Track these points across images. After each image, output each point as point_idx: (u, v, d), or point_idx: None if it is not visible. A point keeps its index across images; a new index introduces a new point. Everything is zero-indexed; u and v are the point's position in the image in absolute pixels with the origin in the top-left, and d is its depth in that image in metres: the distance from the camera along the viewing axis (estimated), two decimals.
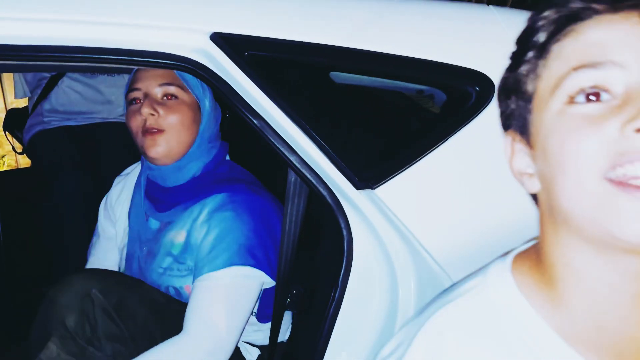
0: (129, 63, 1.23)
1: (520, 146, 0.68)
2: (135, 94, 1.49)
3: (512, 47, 0.70)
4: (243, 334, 1.52)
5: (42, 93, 2.37)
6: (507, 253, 0.71)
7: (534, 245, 0.70)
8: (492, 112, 1.20)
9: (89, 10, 1.17)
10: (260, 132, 1.17)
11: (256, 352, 1.53)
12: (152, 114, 1.45)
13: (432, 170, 1.20)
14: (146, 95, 1.48)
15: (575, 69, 0.59)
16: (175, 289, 1.48)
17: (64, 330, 1.35)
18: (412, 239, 1.18)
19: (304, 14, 1.22)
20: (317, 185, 1.20)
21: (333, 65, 1.22)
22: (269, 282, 1.44)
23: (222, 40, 1.16)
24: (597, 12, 0.60)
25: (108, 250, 1.70)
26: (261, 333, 1.54)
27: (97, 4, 1.18)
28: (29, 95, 2.47)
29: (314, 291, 1.37)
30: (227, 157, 1.61)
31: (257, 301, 1.45)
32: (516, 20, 1.39)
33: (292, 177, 1.29)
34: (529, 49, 0.65)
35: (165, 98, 1.48)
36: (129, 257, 1.60)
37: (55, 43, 1.17)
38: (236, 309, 1.38)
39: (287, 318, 1.58)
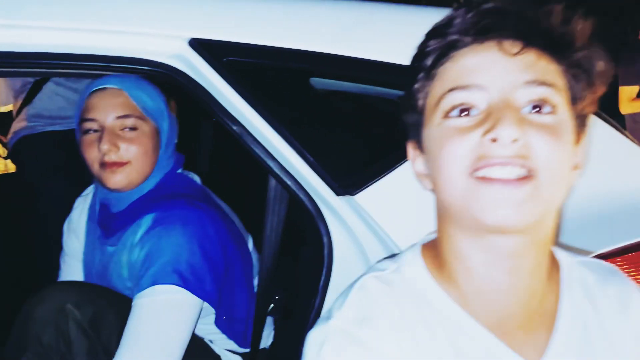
0: (106, 69, 1.23)
1: (417, 153, 0.84)
2: (90, 125, 1.42)
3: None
4: (225, 342, 1.51)
5: (26, 98, 2.36)
6: (416, 242, 0.87)
7: (435, 238, 0.85)
8: None
9: (68, 17, 1.17)
10: (239, 139, 1.17)
11: (238, 359, 1.53)
12: (112, 150, 1.40)
13: (412, 176, 1.20)
14: (103, 128, 1.41)
15: (450, 90, 0.73)
16: None
17: (39, 346, 1.33)
18: (391, 245, 1.18)
19: (283, 20, 1.22)
20: (297, 192, 1.20)
21: (313, 71, 1.22)
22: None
23: (200, 46, 1.16)
24: (466, 44, 0.73)
25: (75, 269, 1.67)
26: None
27: (75, 11, 1.18)
28: (13, 102, 2.46)
29: (296, 297, 1.37)
30: (180, 170, 1.57)
31: (196, 318, 1.37)
32: None
33: (272, 183, 1.29)
34: (420, 71, 0.78)
35: (125, 129, 1.42)
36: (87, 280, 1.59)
37: (33, 49, 1.16)
38: (165, 330, 1.31)
39: (270, 324, 1.57)
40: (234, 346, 1.52)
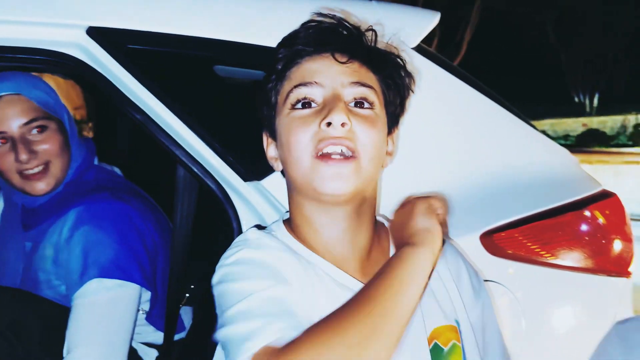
0: (2, 60, 1.19)
1: (270, 141, 1.03)
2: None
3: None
4: (141, 336, 1.49)
5: None
6: (277, 219, 1.06)
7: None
8: None
9: None
10: (143, 128, 1.17)
11: (154, 353, 1.51)
12: (31, 157, 1.37)
13: None
14: (13, 138, 1.38)
15: (296, 86, 0.94)
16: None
17: None
18: None
19: (186, 7, 1.22)
20: (205, 179, 1.21)
21: (217, 58, 1.23)
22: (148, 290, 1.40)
23: (99, 34, 1.15)
24: (309, 53, 0.94)
25: None
26: (161, 333, 1.53)
27: None
28: None
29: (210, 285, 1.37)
30: (96, 160, 1.55)
31: (137, 307, 1.38)
32: (401, 16, 1.47)
33: (180, 172, 1.29)
34: (273, 74, 0.98)
35: (34, 132, 1.39)
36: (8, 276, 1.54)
37: None
38: (109, 324, 1.31)
39: (189, 314, 1.57)
40: (150, 339, 1.51)
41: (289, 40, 0.97)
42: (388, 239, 1.06)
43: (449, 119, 1.37)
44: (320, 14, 0.99)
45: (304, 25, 0.97)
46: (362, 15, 1.39)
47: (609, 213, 1.52)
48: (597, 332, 1.50)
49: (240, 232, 1.22)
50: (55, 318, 1.36)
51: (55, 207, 1.43)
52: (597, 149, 13.21)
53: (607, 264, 1.49)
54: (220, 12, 1.24)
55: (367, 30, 1.00)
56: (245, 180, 1.22)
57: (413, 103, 1.35)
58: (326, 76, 0.93)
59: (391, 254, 1.02)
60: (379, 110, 0.96)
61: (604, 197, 1.54)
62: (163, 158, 1.43)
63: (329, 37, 0.94)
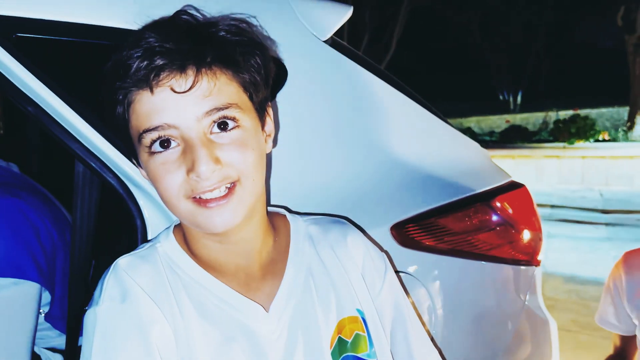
0: None
1: (136, 163, 0.96)
2: None
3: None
4: (45, 340, 1.42)
5: None
6: (170, 225, 1.02)
7: None
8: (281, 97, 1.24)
9: None
10: (36, 121, 1.10)
11: (59, 358, 1.44)
12: None
13: None
14: None
15: (144, 131, 0.84)
16: None
17: None
18: None
19: None
20: (105, 175, 1.15)
21: (115, 47, 1.17)
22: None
23: None
24: (145, 88, 0.83)
25: None
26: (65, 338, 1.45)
27: None
28: None
29: None
30: None
31: (38, 304, 1.29)
32: (312, 9, 1.45)
33: (79, 168, 1.22)
34: (118, 104, 0.87)
35: None
36: None
37: None
38: (7, 327, 1.21)
39: None
40: (54, 343, 1.43)
41: (119, 70, 0.84)
42: (287, 229, 1.05)
43: (359, 113, 1.37)
44: (153, 25, 0.87)
45: (131, 46, 0.83)
46: (274, 9, 1.37)
47: (517, 203, 1.57)
48: (509, 319, 1.56)
49: (144, 229, 1.17)
50: None
51: None
52: (520, 144, 13.75)
53: (516, 253, 1.54)
54: None
55: (220, 25, 0.89)
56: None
57: (323, 97, 1.35)
58: (175, 114, 0.83)
59: (292, 244, 1.03)
60: (246, 117, 0.89)
61: (513, 188, 1.58)
62: (62, 153, 1.36)
63: (163, 60, 0.81)
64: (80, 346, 1.42)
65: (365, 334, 1.00)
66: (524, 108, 22.77)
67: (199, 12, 0.96)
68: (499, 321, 1.55)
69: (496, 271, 1.50)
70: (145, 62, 0.81)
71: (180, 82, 0.82)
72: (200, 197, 0.86)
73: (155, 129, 0.84)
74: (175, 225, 1.02)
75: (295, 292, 0.98)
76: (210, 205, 0.86)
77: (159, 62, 0.81)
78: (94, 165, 1.14)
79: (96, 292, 0.92)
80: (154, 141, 0.85)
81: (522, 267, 1.55)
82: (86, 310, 0.93)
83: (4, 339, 1.21)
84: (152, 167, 0.87)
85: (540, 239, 1.60)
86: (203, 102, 0.84)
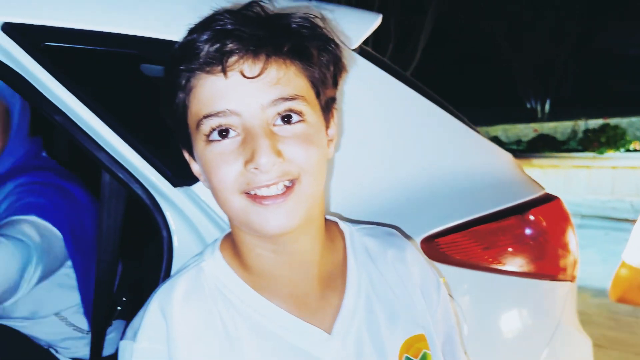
0: None
1: (190, 158, 0.90)
2: None
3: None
4: (70, 351, 1.41)
5: None
6: (219, 236, 0.96)
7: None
8: None
9: None
10: (63, 130, 1.09)
11: None
12: None
13: None
14: None
15: (205, 117, 0.79)
16: None
17: None
18: None
19: (109, 3, 1.15)
20: (132, 185, 1.14)
21: (144, 57, 1.17)
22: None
23: (14, 31, 1.07)
24: (213, 70, 0.77)
25: None
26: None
27: None
28: None
29: (142, 296, 1.30)
30: (44, 154, 1.48)
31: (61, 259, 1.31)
32: (341, 17, 1.43)
33: (105, 178, 1.21)
34: (179, 90, 0.81)
35: None
36: None
37: None
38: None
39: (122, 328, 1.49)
40: (79, 354, 1.43)
41: (186, 53, 0.79)
42: (342, 240, 0.98)
43: (389, 122, 1.34)
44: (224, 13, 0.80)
45: (200, 29, 0.79)
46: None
47: (552, 217, 1.52)
48: (541, 337, 1.50)
49: (170, 239, 1.15)
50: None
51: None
52: (548, 153, 13.53)
53: (550, 269, 1.49)
54: (143, 8, 1.17)
55: (294, 17, 0.83)
56: (174, 185, 1.15)
57: (353, 105, 1.32)
58: (239, 100, 0.77)
59: (350, 258, 0.96)
60: (311, 113, 0.83)
61: (547, 201, 1.53)
62: (87, 162, 1.37)
63: (231, 46, 0.76)
64: (105, 357, 1.42)
65: (431, 353, 0.95)
66: (552, 116, 22.44)
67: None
68: (533, 339, 1.49)
69: (530, 287, 1.45)
70: (217, 45, 0.76)
71: (251, 67, 0.77)
72: (255, 193, 0.79)
73: (216, 114, 0.78)
74: (222, 238, 0.95)
75: (359, 311, 0.91)
76: (265, 202, 0.79)
77: (231, 45, 0.76)
78: (120, 175, 1.13)
79: (136, 321, 0.86)
80: (213, 129, 0.79)
81: (557, 283, 1.50)
82: (113, 323, 0.91)
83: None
84: (208, 157, 0.81)
85: (575, 254, 1.55)
86: (270, 90, 0.78)
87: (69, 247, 1.29)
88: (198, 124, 0.80)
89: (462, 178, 1.40)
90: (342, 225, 1.00)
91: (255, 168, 0.77)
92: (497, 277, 1.40)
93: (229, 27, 0.77)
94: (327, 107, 0.89)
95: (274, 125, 0.79)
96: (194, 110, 0.81)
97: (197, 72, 0.79)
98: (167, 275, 1.14)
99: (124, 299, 1.40)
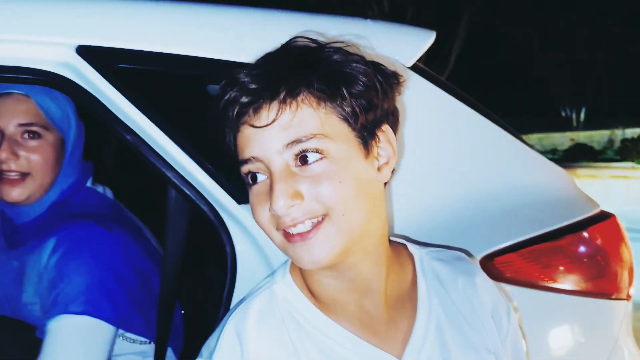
0: None
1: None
2: None
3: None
4: None
5: None
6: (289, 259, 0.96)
7: None
8: None
9: None
10: (133, 149, 1.13)
11: None
12: (11, 158, 1.32)
13: None
14: (2, 134, 1.33)
15: (240, 163, 0.86)
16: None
17: None
18: None
19: (177, 26, 1.19)
20: (198, 202, 1.17)
21: (209, 77, 1.20)
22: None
23: (89, 53, 1.11)
24: (244, 121, 0.83)
25: None
26: None
27: None
28: None
29: (203, 310, 1.34)
30: (90, 180, 1.49)
31: (111, 344, 1.30)
32: (396, 35, 1.45)
33: (172, 194, 1.25)
34: (226, 134, 0.88)
35: (26, 136, 1.34)
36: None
37: None
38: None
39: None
40: None
41: (220, 109, 0.86)
42: (411, 263, 0.98)
43: (445, 140, 1.35)
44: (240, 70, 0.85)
45: (229, 86, 0.85)
46: (357, 34, 1.37)
47: (608, 235, 1.50)
48: (598, 356, 1.48)
49: (234, 256, 1.18)
50: (38, 348, 1.31)
51: (39, 228, 1.37)
52: (584, 163, 13.31)
53: (606, 287, 1.47)
54: (212, 30, 1.21)
55: (322, 52, 0.85)
56: (239, 202, 1.18)
57: (409, 124, 1.33)
58: (259, 148, 0.82)
59: (420, 282, 0.96)
60: (337, 147, 0.82)
61: (603, 219, 1.52)
62: (153, 179, 1.40)
63: (245, 101, 0.82)
64: None
65: None
66: (588, 125, 22.05)
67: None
68: (587, 357, 1.48)
69: (586, 306, 1.43)
70: (239, 101, 0.83)
71: (263, 116, 0.82)
72: (287, 232, 0.83)
73: (246, 161, 0.84)
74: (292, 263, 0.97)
75: (429, 336, 0.91)
76: (294, 240, 0.83)
77: (244, 100, 0.82)
78: (187, 192, 1.16)
79: (211, 341, 0.89)
80: (246, 174, 0.86)
81: (613, 302, 1.48)
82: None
83: None
84: (250, 198, 0.87)
85: (632, 272, 1.53)
86: (282, 134, 0.81)
87: (123, 326, 1.32)
88: (238, 169, 0.88)
89: (518, 195, 1.40)
90: (412, 248, 1.00)
91: (273, 213, 0.82)
92: (553, 295, 1.39)
93: (250, 85, 0.82)
94: (370, 132, 0.87)
95: (296, 166, 0.82)
96: (237, 155, 0.88)
97: (231, 125, 0.86)
98: (231, 291, 1.17)
99: (183, 312, 1.43)
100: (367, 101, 0.85)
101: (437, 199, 1.30)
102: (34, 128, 1.34)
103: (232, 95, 0.83)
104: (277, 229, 0.84)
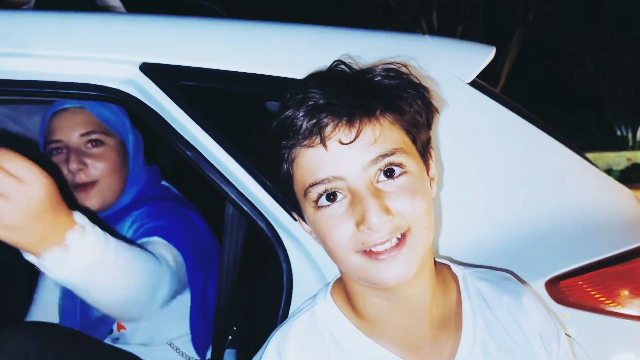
0: (57, 96, 1.19)
1: (298, 216, 0.95)
2: (56, 146, 1.42)
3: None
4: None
5: None
6: (330, 281, 0.99)
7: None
8: None
9: (17, 44, 1.13)
10: (193, 164, 1.14)
11: None
12: (81, 168, 1.39)
13: None
14: (68, 147, 1.40)
15: (311, 185, 0.83)
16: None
17: None
18: None
19: (238, 44, 1.20)
20: (255, 217, 1.17)
21: (269, 94, 1.21)
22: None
23: (152, 70, 1.14)
24: (312, 144, 0.82)
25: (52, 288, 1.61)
26: None
27: (24, 37, 1.14)
28: None
29: (256, 326, 1.33)
30: (163, 182, 1.56)
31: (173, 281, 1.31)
32: (455, 51, 1.43)
33: (229, 209, 1.26)
34: (282, 162, 0.87)
35: (89, 145, 1.41)
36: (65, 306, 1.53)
37: None
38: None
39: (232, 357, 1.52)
40: None
41: (286, 129, 0.84)
42: (455, 283, 0.98)
43: (509, 159, 1.31)
44: (312, 79, 0.86)
45: (295, 105, 0.83)
46: (415, 51, 1.35)
47: None
48: None
49: (290, 273, 1.17)
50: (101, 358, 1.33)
51: (115, 221, 1.44)
52: None
53: None
54: (270, 47, 1.22)
55: (377, 71, 0.87)
56: (295, 218, 1.17)
57: (471, 141, 1.30)
58: (340, 165, 0.81)
59: (464, 301, 0.95)
60: (412, 162, 0.85)
61: None
62: (207, 194, 1.42)
63: (326, 120, 0.81)
64: None
65: None
66: None
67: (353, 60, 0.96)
68: None
69: None
70: (313, 120, 0.81)
71: (347, 134, 0.81)
72: (370, 250, 0.82)
73: (321, 182, 0.82)
74: (334, 282, 0.98)
75: (474, 356, 0.91)
76: (381, 257, 0.82)
77: (327, 119, 0.81)
78: (245, 207, 1.16)
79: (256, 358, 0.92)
80: (320, 195, 0.83)
81: None
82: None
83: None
84: (320, 222, 0.85)
85: None
86: (368, 150, 0.81)
87: (188, 272, 1.34)
88: (305, 192, 0.84)
89: (584, 216, 1.34)
90: (455, 268, 1.00)
91: (368, 229, 0.80)
92: (619, 321, 1.32)
93: (322, 101, 0.81)
94: (425, 150, 0.91)
95: (378, 181, 0.83)
96: (299, 179, 0.86)
97: (298, 146, 0.84)
98: (287, 309, 1.16)
99: (234, 328, 1.43)
100: (427, 120, 0.90)
101: (501, 220, 1.26)
102: (95, 135, 1.41)
103: (308, 114, 0.82)
104: (356, 252, 0.83)
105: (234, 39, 1.20)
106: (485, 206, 1.25)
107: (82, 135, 1.40)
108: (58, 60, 1.13)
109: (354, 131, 0.81)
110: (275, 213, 1.16)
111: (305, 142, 0.83)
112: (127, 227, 1.39)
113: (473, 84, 1.38)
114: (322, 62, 1.21)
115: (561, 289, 1.24)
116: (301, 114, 0.82)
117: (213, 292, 1.42)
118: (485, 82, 1.46)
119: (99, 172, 1.40)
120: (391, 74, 0.87)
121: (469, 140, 1.28)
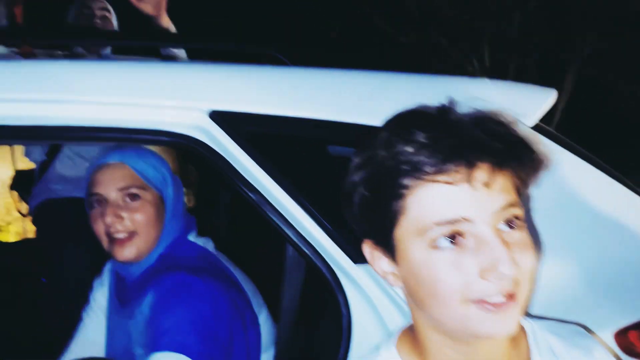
0: (130, 141, 1.25)
1: (380, 254, 0.86)
2: (95, 199, 1.47)
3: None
4: None
5: (46, 159, 2.39)
6: (392, 334, 0.94)
7: (411, 324, 0.91)
8: None
9: (91, 91, 1.20)
10: (257, 207, 1.17)
11: None
12: (116, 220, 1.44)
13: None
14: (106, 200, 1.45)
15: (437, 223, 0.76)
16: None
17: None
18: None
19: (302, 90, 1.24)
20: (315, 260, 1.18)
21: (331, 139, 1.24)
22: None
23: (220, 117, 1.18)
24: (435, 183, 0.76)
25: (99, 320, 1.67)
26: None
27: (97, 84, 1.21)
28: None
29: None
30: (194, 234, 1.57)
31: None
32: (516, 94, 1.42)
33: (289, 251, 1.28)
34: (394, 199, 0.79)
35: (127, 199, 1.46)
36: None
37: (57, 123, 1.19)
38: None
39: None
40: None
41: (402, 164, 0.78)
42: (524, 336, 0.94)
43: (572, 203, 1.29)
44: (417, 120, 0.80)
45: (410, 137, 0.77)
46: (476, 94, 1.36)
47: None
48: None
49: (349, 318, 1.17)
50: None
51: (144, 283, 1.47)
52: None
53: None
54: (335, 92, 1.25)
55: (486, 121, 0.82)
56: (355, 262, 1.18)
57: (537, 187, 1.28)
58: (473, 207, 0.76)
59: (533, 355, 0.91)
60: (523, 218, 0.82)
61: None
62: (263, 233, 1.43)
63: (457, 157, 0.76)
64: None
65: None
66: None
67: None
68: None
69: None
70: (440, 156, 0.76)
71: (481, 174, 0.76)
72: (485, 300, 0.77)
73: (451, 222, 0.76)
74: (400, 333, 0.94)
75: None
76: (493, 309, 0.76)
77: (458, 159, 0.76)
78: (305, 250, 1.18)
79: None
80: (442, 235, 0.77)
81: None
82: None
83: None
84: (430, 260, 0.78)
85: None
86: (499, 198, 0.77)
87: None
88: (424, 229, 0.77)
89: None
90: (523, 321, 0.96)
91: (498, 278, 0.75)
92: None
93: (448, 138, 0.77)
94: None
95: (502, 231, 0.78)
96: (416, 216, 0.78)
97: (418, 181, 0.77)
98: (346, 353, 1.16)
99: None
100: (532, 173, 0.85)
101: (568, 269, 1.23)
102: (133, 190, 1.45)
103: (433, 149, 0.76)
104: (468, 302, 0.77)
105: (299, 85, 1.24)
106: (553, 256, 1.23)
107: (120, 189, 1.45)
108: (132, 107, 1.19)
109: (486, 175, 0.77)
110: (335, 256, 1.18)
111: (429, 177, 0.77)
112: (148, 302, 1.41)
113: (536, 128, 1.37)
114: (386, 106, 1.23)
115: (630, 340, 1.19)
116: (424, 148, 0.77)
117: None
118: (542, 119, 1.44)
119: (134, 224, 1.45)
120: (508, 129, 0.83)
121: (536, 188, 1.27)
